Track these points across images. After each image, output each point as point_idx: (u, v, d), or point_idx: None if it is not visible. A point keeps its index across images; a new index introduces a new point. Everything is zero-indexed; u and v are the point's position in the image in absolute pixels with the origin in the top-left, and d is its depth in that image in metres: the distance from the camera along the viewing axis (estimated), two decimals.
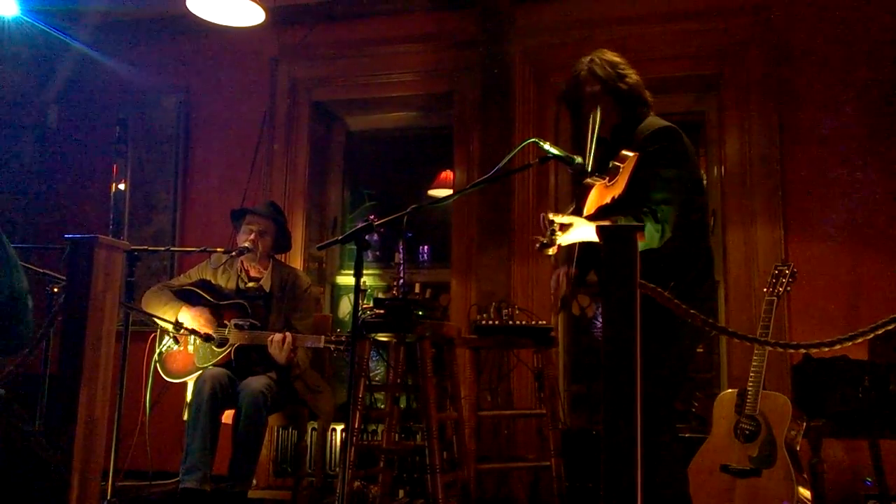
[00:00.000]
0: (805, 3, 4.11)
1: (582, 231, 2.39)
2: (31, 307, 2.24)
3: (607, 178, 2.51)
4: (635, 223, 2.32)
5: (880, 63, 3.94)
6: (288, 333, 3.44)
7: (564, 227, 2.36)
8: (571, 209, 2.55)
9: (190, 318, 3.55)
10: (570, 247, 2.60)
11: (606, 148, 2.65)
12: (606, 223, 2.35)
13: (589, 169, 2.53)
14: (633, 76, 2.64)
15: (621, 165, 2.48)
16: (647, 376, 2.46)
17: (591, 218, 2.46)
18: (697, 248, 2.59)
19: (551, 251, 2.36)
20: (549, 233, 2.34)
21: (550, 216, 2.38)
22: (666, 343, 2.45)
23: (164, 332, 3.66)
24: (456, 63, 4.62)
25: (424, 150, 5.25)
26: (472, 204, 4.42)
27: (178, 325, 3.51)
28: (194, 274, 3.84)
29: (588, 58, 2.67)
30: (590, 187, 2.57)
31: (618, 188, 2.47)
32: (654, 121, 2.61)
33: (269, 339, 3.44)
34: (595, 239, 2.34)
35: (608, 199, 2.50)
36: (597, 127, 2.54)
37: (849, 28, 4.01)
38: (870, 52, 3.96)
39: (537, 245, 2.39)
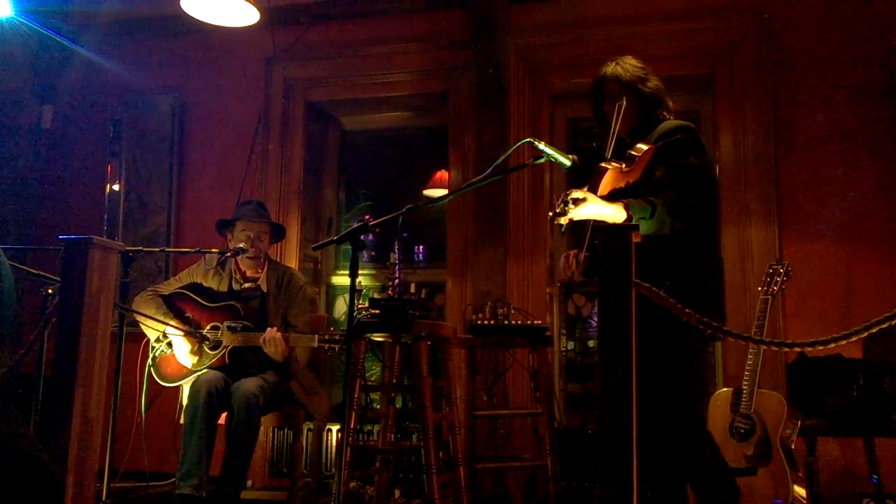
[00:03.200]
0: (800, 2, 4.12)
1: (594, 208, 2.42)
2: (14, 303, 2.23)
3: (623, 164, 2.59)
4: (646, 206, 2.40)
5: (874, 62, 3.95)
6: (278, 333, 3.44)
7: (578, 202, 2.38)
8: (587, 187, 2.59)
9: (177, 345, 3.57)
10: (583, 231, 2.62)
11: (624, 148, 2.73)
12: (620, 204, 2.41)
13: (607, 155, 2.64)
14: (654, 81, 2.78)
15: (637, 155, 2.57)
16: (671, 382, 2.51)
17: (603, 199, 2.50)
18: (708, 245, 2.66)
19: (563, 220, 2.39)
20: (562, 204, 2.38)
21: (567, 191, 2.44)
22: (682, 343, 2.50)
23: (157, 338, 3.65)
24: (451, 63, 4.62)
25: (419, 149, 5.26)
26: (467, 204, 4.43)
27: (165, 336, 3.53)
28: (185, 277, 3.83)
29: (613, 61, 2.81)
30: (604, 171, 2.63)
31: (633, 175, 2.56)
32: (670, 121, 2.73)
33: (262, 338, 3.44)
34: (605, 218, 2.41)
35: (622, 184, 2.57)
36: (618, 121, 2.65)
37: (843, 27, 4.02)
38: (864, 52, 3.97)
39: (549, 214, 2.43)
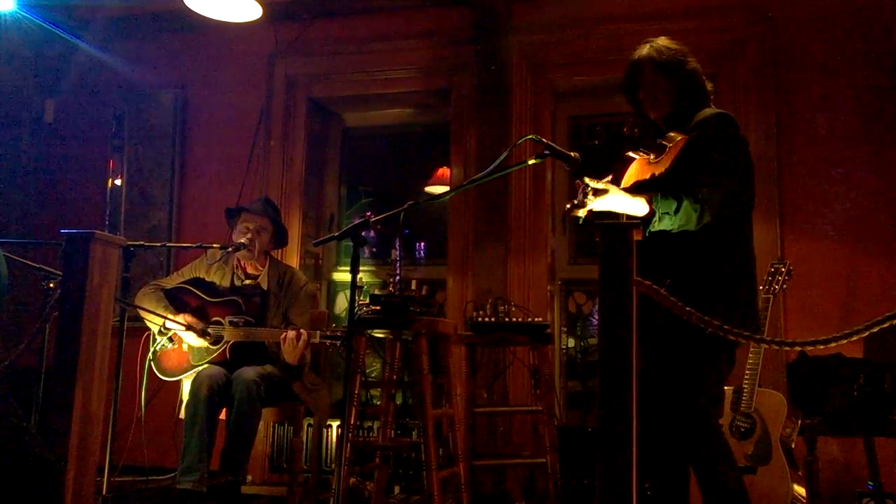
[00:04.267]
0: (802, 2, 4.11)
1: (615, 200, 2.31)
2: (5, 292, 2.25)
3: (652, 155, 2.47)
4: (672, 201, 2.30)
5: (877, 63, 3.94)
6: (303, 330, 3.43)
7: (598, 193, 2.27)
8: (609, 178, 2.44)
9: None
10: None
11: (659, 135, 2.59)
12: (643, 198, 2.34)
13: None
14: (693, 63, 2.59)
15: (668, 145, 2.45)
16: (688, 379, 2.44)
17: (627, 191, 2.40)
18: (739, 243, 2.50)
19: (581, 213, 2.28)
20: (581, 195, 2.26)
21: (586, 180, 2.30)
22: (697, 344, 2.42)
23: (160, 329, 3.65)
24: (453, 60, 4.61)
25: (421, 146, 5.25)
26: (468, 201, 4.42)
27: (167, 328, 3.52)
28: (187, 272, 3.83)
29: (647, 43, 2.62)
30: (630, 161, 2.53)
31: (662, 166, 2.45)
32: (708, 109, 2.55)
33: (283, 336, 3.42)
34: (626, 212, 2.32)
35: (648, 175, 2.47)
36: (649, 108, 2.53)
37: (845, 27, 4.01)
38: (867, 52, 3.97)
39: (567, 206, 2.31)
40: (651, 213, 2.35)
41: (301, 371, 3.54)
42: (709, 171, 2.36)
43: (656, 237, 2.40)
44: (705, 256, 2.41)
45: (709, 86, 2.63)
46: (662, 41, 2.61)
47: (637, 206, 2.33)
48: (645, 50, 2.60)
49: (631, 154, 2.52)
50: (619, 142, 2.60)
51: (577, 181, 2.34)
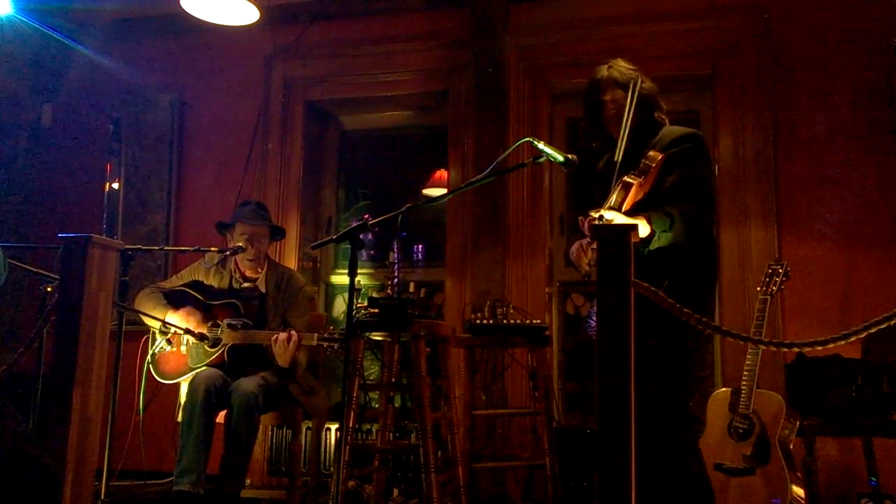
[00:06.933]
0: (800, 2, 4.12)
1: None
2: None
3: (642, 178, 2.61)
4: (665, 218, 2.49)
5: (874, 62, 3.95)
6: (293, 332, 3.42)
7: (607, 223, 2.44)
8: (610, 205, 2.59)
9: (179, 319, 3.54)
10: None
11: (613, 149, 2.76)
12: (642, 218, 2.48)
13: (617, 159, 2.66)
14: (648, 82, 2.79)
15: (651, 165, 2.59)
16: (664, 378, 2.57)
17: (628, 214, 2.56)
18: (712, 248, 2.80)
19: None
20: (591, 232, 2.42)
21: (593, 213, 2.46)
22: (677, 342, 2.56)
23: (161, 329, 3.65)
24: (450, 62, 4.62)
25: (419, 149, 5.25)
26: (466, 203, 4.43)
27: (166, 326, 3.50)
28: (186, 275, 3.83)
29: (606, 65, 2.83)
30: (630, 186, 2.64)
31: (648, 185, 2.60)
32: (677, 127, 2.77)
33: (274, 338, 3.42)
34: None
35: (640, 197, 2.61)
36: (627, 125, 2.67)
37: (843, 27, 4.02)
38: (864, 52, 3.97)
39: (587, 236, 2.46)
40: (653, 233, 2.50)
41: (294, 372, 3.54)
42: (693, 187, 2.60)
43: (654, 255, 2.55)
44: (694, 264, 2.62)
45: (664, 104, 2.84)
46: (620, 62, 2.83)
47: (640, 228, 2.46)
48: (604, 71, 2.82)
49: (628, 179, 2.59)
50: (643, 146, 2.70)
51: (581, 217, 2.51)
